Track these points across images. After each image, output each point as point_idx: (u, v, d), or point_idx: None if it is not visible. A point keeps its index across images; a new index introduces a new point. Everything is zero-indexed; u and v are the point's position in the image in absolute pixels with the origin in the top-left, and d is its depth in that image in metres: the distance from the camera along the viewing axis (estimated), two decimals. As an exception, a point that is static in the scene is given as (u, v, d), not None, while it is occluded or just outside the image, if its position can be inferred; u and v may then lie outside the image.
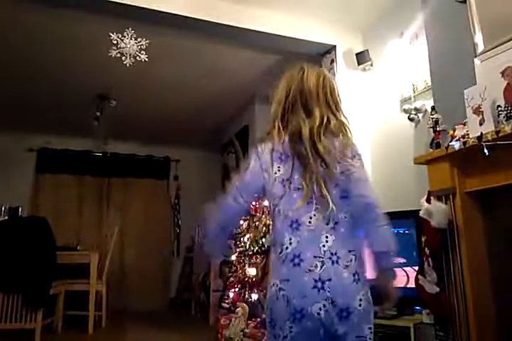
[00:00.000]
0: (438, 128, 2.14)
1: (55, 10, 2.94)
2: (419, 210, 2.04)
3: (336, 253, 1.09)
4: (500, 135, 1.70)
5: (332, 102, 1.28)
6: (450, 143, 1.95)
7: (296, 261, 1.09)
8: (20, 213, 4.35)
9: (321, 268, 1.07)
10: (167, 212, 5.96)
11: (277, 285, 1.10)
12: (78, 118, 4.71)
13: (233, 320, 3.09)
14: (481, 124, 1.84)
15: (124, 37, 2.74)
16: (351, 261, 1.10)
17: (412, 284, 2.10)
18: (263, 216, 3.24)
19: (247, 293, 3.06)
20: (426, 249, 1.99)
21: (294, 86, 1.28)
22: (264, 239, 3.09)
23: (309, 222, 1.12)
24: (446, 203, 2.00)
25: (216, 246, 1.38)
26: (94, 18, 3.02)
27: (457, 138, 1.96)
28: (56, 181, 5.51)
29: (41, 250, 3.19)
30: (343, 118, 1.28)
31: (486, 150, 1.73)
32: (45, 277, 3.15)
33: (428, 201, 2.03)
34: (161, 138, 5.82)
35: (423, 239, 2.02)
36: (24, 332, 3.12)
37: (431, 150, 2.14)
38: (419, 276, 2.02)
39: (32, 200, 5.35)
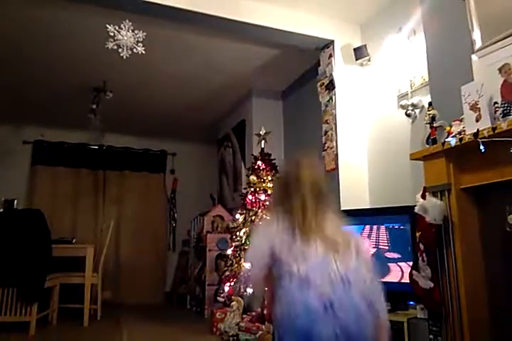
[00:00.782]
0: (435, 124, 2.14)
1: (50, 1, 2.91)
2: (415, 206, 2.04)
3: (348, 280, 1.11)
4: (496, 131, 1.70)
5: None
6: (446, 140, 1.95)
7: (305, 285, 1.10)
8: (15, 206, 4.33)
9: (333, 293, 1.08)
10: (163, 206, 5.95)
11: (285, 308, 1.11)
12: (74, 110, 4.69)
13: (228, 313, 3.11)
14: (477, 121, 1.84)
15: (121, 29, 2.71)
16: (363, 287, 1.12)
17: (406, 279, 2.11)
18: (259, 210, 3.25)
19: (242, 286, 3.07)
20: (420, 244, 2.00)
21: None
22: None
23: (316, 251, 1.16)
24: (441, 199, 2.01)
25: None
26: (90, 10, 2.99)
27: (453, 134, 1.96)
28: (52, 174, 5.49)
29: (36, 243, 3.18)
30: None
31: (482, 147, 1.74)
32: (40, 270, 3.15)
33: (423, 197, 2.03)
34: (158, 131, 5.80)
35: (418, 235, 2.03)
36: (19, 324, 3.12)
37: (427, 146, 2.14)
38: (414, 272, 2.03)
39: (27, 193, 5.33)
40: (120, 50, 2.73)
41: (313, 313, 1.06)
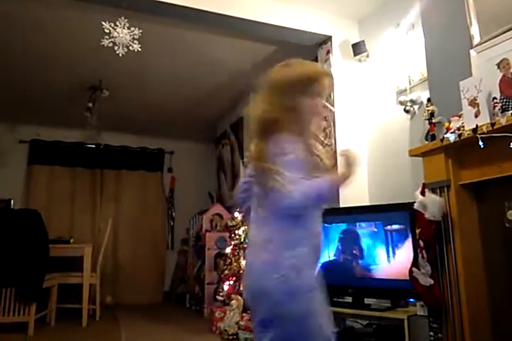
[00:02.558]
0: (433, 120, 2.13)
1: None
2: (414, 202, 2.03)
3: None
4: (495, 127, 1.69)
5: None
6: (445, 135, 1.94)
7: None
8: (12, 205, 4.31)
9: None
10: (161, 205, 5.93)
11: None
12: (70, 109, 4.66)
13: (228, 312, 3.10)
14: (476, 116, 1.82)
15: (117, 26, 2.68)
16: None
17: (406, 276, 2.10)
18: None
19: (241, 285, 3.06)
20: (420, 241, 1.99)
21: None
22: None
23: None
24: (440, 195, 2.00)
25: None
26: (85, 6, 2.95)
27: (452, 130, 1.95)
28: (49, 173, 5.45)
29: (33, 243, 3.17)
30: None
31: (481, 143, 1.73)
32: (38, 270, 3.13)
33: (423, 193, 2.02)
34: (155, 129, 5.77)
35: (417, 232, 2.02)
36: (17, 325, 3.11)
37: (426, 142, 2.13)
38: (414, 269, 2.02)
39: (24, 192, 5.30)
40: (116, 47, 2.71)
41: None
